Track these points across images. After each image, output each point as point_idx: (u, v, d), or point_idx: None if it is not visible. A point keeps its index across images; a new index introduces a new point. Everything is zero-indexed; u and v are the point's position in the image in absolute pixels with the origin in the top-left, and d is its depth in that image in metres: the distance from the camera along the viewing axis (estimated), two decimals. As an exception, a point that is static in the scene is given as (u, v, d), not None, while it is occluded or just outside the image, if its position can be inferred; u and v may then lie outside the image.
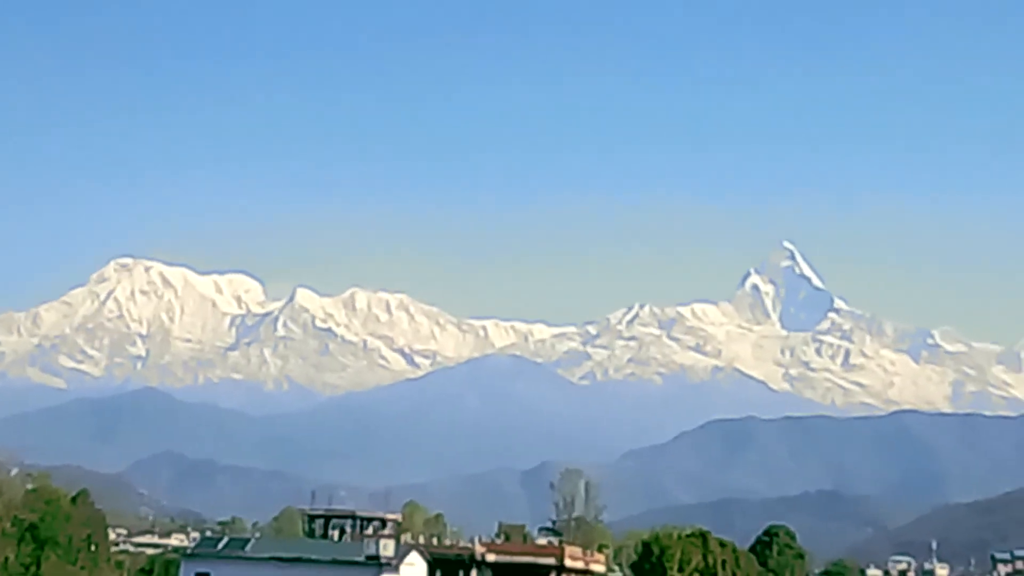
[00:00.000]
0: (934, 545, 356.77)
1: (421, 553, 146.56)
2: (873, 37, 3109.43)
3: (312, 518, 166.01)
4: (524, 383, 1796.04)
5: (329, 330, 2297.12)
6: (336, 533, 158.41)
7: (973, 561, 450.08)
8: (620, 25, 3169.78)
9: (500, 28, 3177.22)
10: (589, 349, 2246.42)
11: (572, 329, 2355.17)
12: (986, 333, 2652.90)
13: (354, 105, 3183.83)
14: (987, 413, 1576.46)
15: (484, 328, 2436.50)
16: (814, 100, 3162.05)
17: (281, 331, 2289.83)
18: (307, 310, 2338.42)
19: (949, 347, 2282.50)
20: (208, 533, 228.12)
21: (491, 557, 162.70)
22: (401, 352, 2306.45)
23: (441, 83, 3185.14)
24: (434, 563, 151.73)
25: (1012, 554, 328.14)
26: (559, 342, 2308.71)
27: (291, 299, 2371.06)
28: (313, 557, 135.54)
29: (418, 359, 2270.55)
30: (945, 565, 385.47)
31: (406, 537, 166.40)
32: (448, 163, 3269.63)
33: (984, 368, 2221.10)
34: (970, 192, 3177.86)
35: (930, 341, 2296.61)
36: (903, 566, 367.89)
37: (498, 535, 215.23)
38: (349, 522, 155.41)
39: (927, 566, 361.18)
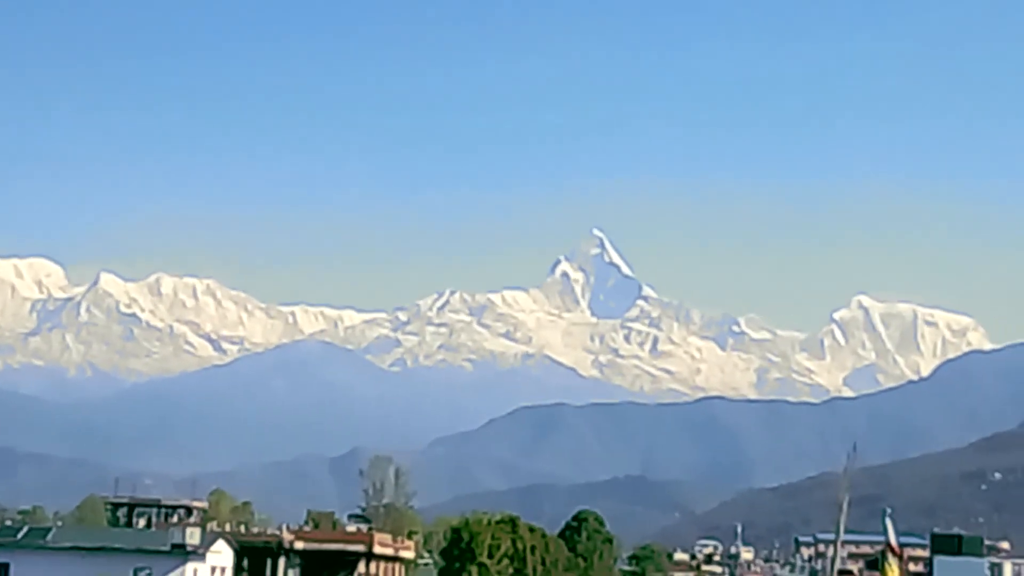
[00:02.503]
0: (739, 529, 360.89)
1: (228, 541, 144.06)
2: (674, 26, 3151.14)
3: (116, 506, 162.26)
4: (333, 369, 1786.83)
5: (134, 315, 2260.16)
6: (141, 521, 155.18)
7: (777, 544, 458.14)
8: (428, 15, 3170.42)
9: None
10: (399, 335, 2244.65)
11: (382, 315, 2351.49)
12: (790, 321, 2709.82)
13: (160, 90, 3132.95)
14: (791, 400, 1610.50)
15: (293, 314, 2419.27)
16: (621, 88, 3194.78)
17: (84, 316, 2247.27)
18: (111, 295, 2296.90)
19: (754, 334, 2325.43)
20: (8, 523, 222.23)
21: (299, 544, 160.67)
22: (208, 338, 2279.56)
23: (249, 66, 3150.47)
24: (241, 551, 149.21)
25: (815, 537, 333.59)
26: (369, 328, 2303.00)
27: (94, 284, 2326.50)
28: (117, 546, 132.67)
29: (225, 345, 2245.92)
30: (750, 548, 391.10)
31: (212, 525, 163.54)
32: (255, 149, 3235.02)
33: (788, 355, 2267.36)
34: (774, 179, 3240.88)
35: (736, 328, 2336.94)
36: (709, 550, 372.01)
37: (306, 522, 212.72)
38: (154, 510, 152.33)
39: (733, 550, 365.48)
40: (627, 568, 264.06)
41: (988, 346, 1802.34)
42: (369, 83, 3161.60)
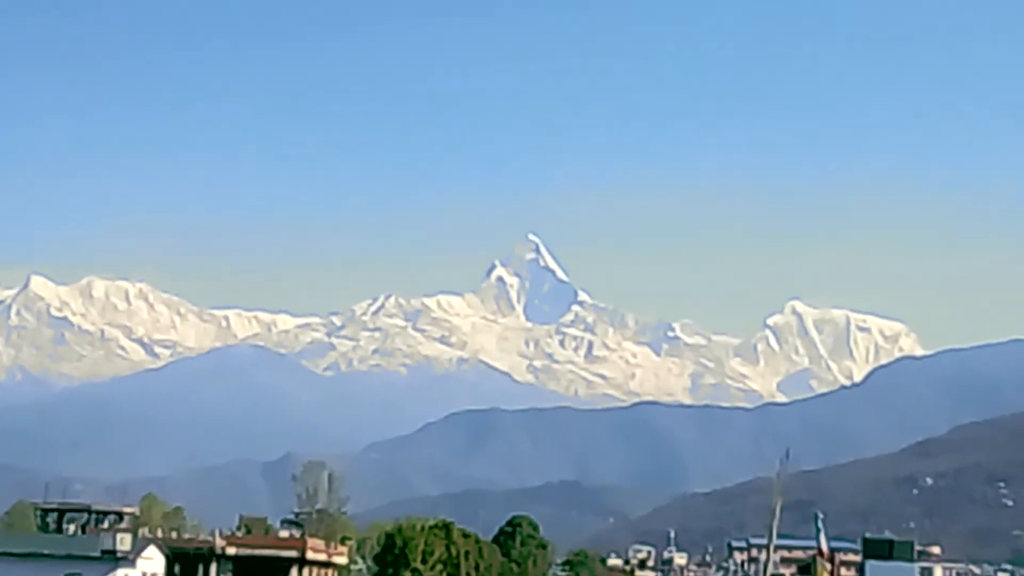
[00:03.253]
0: (673, 534, 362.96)
1: (159, 547, 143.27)
2: (608, 32, 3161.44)
3: (45, 512, 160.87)
4: (267, 374, 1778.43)
5: (65, 319, 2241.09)
6: (71, 527, 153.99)
7: (710, 549, 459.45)
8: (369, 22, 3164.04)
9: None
10: (333, 340, 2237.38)
11: (316, 320, 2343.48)
12: (724, 326, 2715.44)
13: (90, 93, 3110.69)
14: (724, 405, 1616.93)
15: (226, 318, 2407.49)
16: (556, 94, 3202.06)
17: (14, 320, 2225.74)
18: (42, 298, 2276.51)
19: (689, 340, 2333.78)
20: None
21: (231, 550, 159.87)
22: (140, 342, 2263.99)
23: (178, 70, 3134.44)
24: (173, 557, 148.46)
25: (748, 542, 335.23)
26: (303, 332, 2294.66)
27: (25, 287, 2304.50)
28: (46, 552, 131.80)
29: (158, 349, 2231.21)
30: (684, 553, 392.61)
31: (143, 531, 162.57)
32: (187, 153, 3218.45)
33: (722, 361, 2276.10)
34: (709, 186, 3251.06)
35: (671, 334, 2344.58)
36: (643, 555, 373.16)
37: (239, 528, 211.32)
38: (84, 516, 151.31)
39: (666, 555, 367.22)
40: (561, 573, 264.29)
41: (920, 352, 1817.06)
42: (305, 88, 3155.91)
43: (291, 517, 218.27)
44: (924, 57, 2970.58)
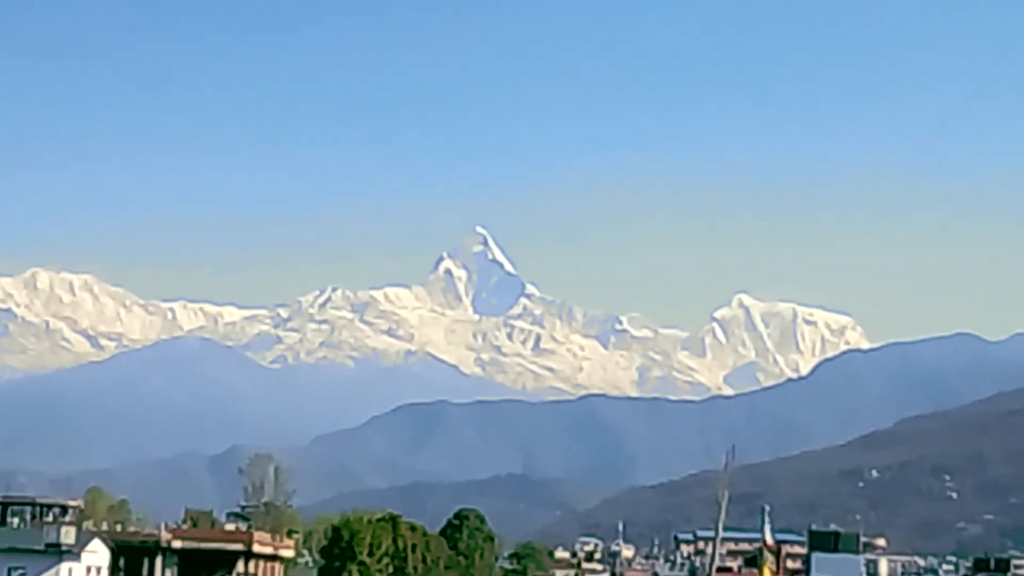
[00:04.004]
0: (620, 526, 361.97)
1: (104, 540, 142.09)
2: (552, 25, 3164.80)
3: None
4: (213, 366, 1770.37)
5: (9, 310, 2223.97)
6: (15, 520, 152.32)
7: (657, 541, 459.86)
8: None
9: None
10: (280, 332, 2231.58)
11: (263, 312, 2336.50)
12: (672, 319, 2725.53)
13: (34, 86, 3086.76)
14: (672, 398, 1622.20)
15: (172, 310, 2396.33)
16: (502, 86, 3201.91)
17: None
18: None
19: (636, 332, 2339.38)
20: None
21: (177, 543, 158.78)
22: (85, 334, 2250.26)
23: (122, 62, 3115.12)
24: (118, 550, 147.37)
25: (695, 534, 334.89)
26: (249, 325, 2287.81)
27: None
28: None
29: (103, 341, 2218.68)
30: (631, 546, 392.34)
31: (88, 524, 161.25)
32: (133, 145, 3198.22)
33: (669, 353, 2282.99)
34: (656, 178, 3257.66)
35: (618, 327, 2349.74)
36: (590, 547, 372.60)
37: (184, 521, 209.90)
38: (28, 509, 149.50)
39: (614, 547, 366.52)
40: (508, 566, 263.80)
41: (866, 345, 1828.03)
42: (251, 81, 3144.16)
43: (237, 510, 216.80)
44: (865, 46, 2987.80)
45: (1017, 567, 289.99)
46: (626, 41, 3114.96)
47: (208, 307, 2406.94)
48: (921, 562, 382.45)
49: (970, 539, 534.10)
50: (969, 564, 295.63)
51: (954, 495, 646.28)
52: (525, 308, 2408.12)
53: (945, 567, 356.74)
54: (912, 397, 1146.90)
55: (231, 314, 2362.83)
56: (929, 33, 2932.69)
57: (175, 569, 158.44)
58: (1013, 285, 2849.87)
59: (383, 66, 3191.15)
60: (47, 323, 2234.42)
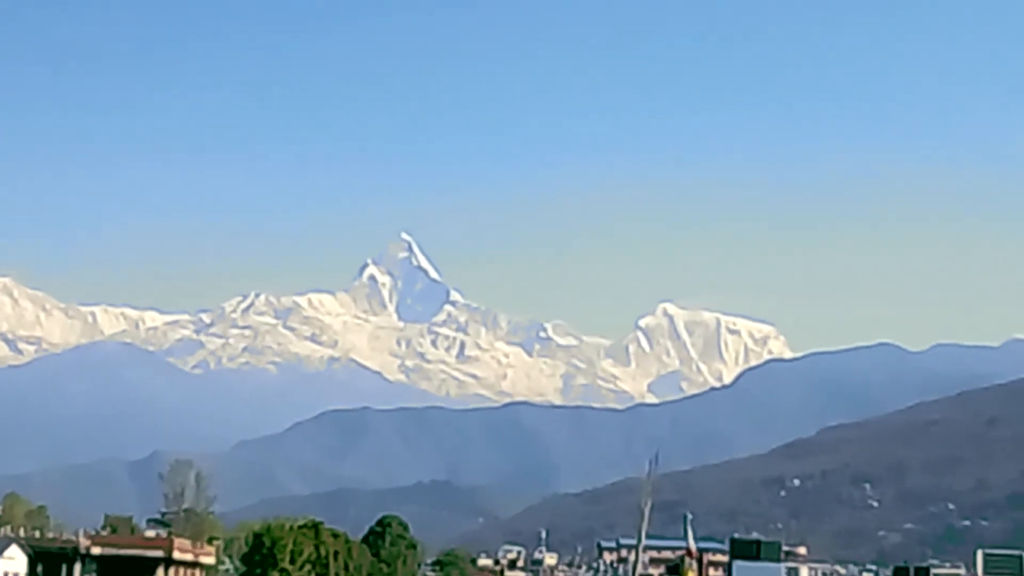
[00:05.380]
0: (543, 534, 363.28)
1: (21, 547, 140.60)
2: (479, 33, 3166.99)
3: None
4: (134, 371, 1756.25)
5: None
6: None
7: (580, 549, 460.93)
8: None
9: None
10: (203, 337, 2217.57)
11: (185, 317, 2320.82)
12: (596, 327, 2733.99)
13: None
14: (596, 405, 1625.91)
15: (93, 314, 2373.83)
16: (429, 93, 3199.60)
17: None
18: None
19: (561, 340, 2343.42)
20: None
21: (96, 550, 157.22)
22: (3, 338, 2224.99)
23: (44, 64, 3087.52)
24: (35, 556, 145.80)
25: (617, 542, 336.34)
26: (171, 330, 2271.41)
27: None
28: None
29: (22, 345, 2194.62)
30: (554, 553, 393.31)
31: (5, 530, 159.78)
32: (54, 146, 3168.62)
33: (594, 361, 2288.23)
34: (580, 187, 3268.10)
35: (543, 334, 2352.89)
36: (513, 555, 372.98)
37: (104, 527, 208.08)
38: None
39: (537, 555, 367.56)
40: (431, 573, 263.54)
41: (789, 355, 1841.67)
42: (175, 83, 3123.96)
43: (158, 516, 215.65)
44: (788, 56, 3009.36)
45: (936, 575, 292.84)
46: (547, 50, 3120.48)
47: (130, 311, 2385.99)
48: (842, 570, 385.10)
49: (890, 547, 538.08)
50: (889, 572, 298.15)
51: (875, 504, 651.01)
52: (449, 315, 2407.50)
53: (865, 575, 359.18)
54: (834, 406, 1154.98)
55: (153, 319, 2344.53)
56: (863, 48, 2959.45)
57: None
58: (933, 296, 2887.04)
59: (307, 70, 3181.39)
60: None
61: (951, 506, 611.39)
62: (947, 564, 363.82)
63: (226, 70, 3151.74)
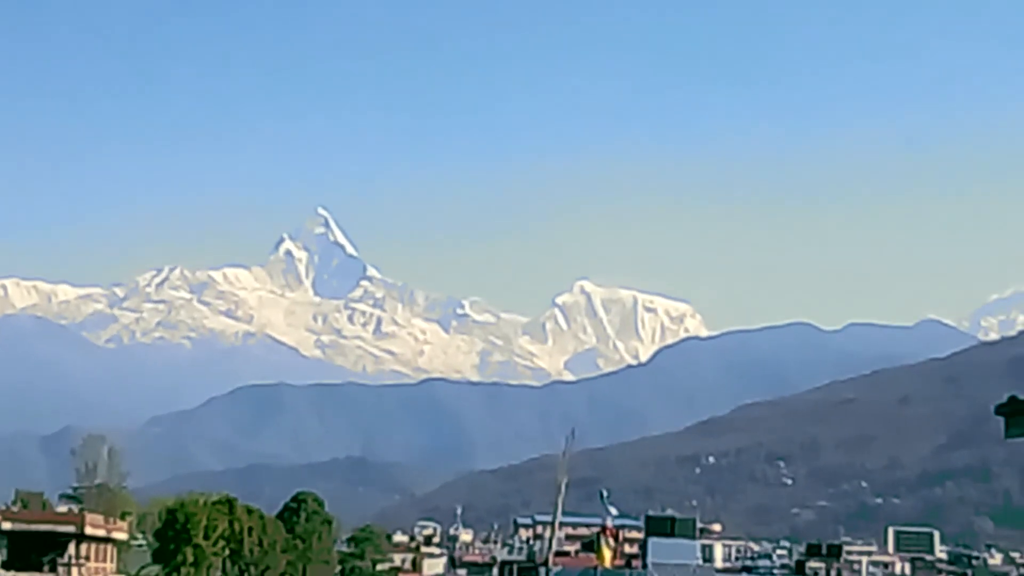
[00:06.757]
0: (459, 511, 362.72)
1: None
2: (399, 16, 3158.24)
3: None
4: (46, 345, 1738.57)
5: None
6: None
7: (496, 526, 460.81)
8: None
9: None
10: (116, 311, 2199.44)
11: (98, 290, 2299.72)
12: (513, 304, 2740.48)
13: None
14: (512, 382, 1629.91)
15: (4, 287, 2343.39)
16: (345, 66, 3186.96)
17: None
18: None
19: (478, 317, 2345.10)
20: None
21: (7, 525, 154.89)
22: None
23: None
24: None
25: (533, 519, 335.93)
26: (84, 303, 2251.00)
27: None
28: None
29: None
30: (469, 530, 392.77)
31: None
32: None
33: (511, 338, 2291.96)
34: (497, 163, 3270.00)
35: (460, 311, 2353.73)
36: (429, 531, 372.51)
37: (15, 502, 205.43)
38: None
39: (452, 531, 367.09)
40: (346, 550, 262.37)
41: (705, 333, 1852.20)
42: (96, 55, 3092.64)
43: (70, 492, 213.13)
44: (697, 35, 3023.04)
45: (848, 552, 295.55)
46: (471, 22, 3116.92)
47: (42, 285, 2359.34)
48: (755, 547, 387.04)
49: (803, 525, 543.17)
50: (802, 549, 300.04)
51: (788, 481, 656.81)
52: (366, 291, 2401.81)
53: (779, 552, 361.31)
54: (749, 384, 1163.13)
55: (65, 292, 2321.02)
56: (789, 34, 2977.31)
57: (3, 551, 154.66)
58: (848, 276, 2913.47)
59: (226, 43, 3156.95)
60: None
61: (864, 484, 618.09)
62: (859, 541, 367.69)
63: (142, 40, 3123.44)
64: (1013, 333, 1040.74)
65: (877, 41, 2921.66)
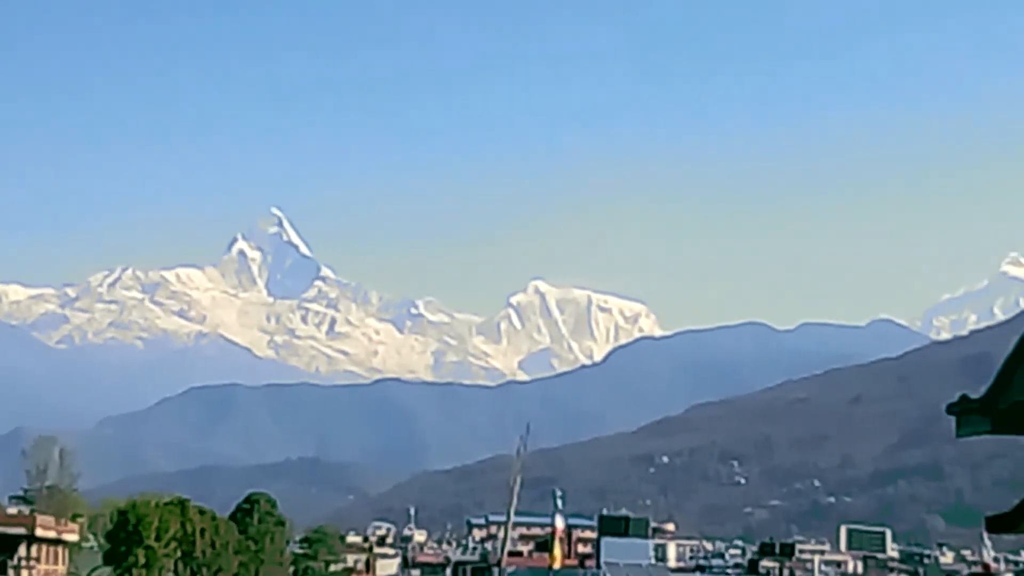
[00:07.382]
0: (412, 511, 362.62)
1: None
2: (360, 14, 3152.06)
3: None
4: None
5: None
6: None
7: (450, 526, 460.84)
8: None
9: None
10: (67, 312, 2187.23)
11: (49, 291, 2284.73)
12: (468, 304, 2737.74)
13: None
14: (466, 382, 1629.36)
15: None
16: (299, 67, 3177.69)
17: None
18: None
19: (432, 317, 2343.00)
20: None
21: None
22: None
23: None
24: None
25: (487, 519, 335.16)
26: (35, 304, 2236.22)
27: None
28: None
29: None
30: (423, 530, 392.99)
31: None
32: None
33: (465, 338, 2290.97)
34: (451, 163, 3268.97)
35: (414, 311, 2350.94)
36: (382, 532, 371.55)
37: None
38: None
39: (406, 531, 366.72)
40: (299, 551, 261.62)
41: (659, 333, 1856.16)
42: (42, 56, 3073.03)
43: (20, 493, 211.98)
44: (661, 36, 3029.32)
45: (801, 551, 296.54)
46: (421, 22, 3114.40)
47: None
48: (709, 546, 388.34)
49: (756, 524, 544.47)
50: (755, 548, 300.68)
51: (742, 480, 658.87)
52: (320, 291, 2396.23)
53: (732, 551, 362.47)
54: (703, 384, 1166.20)
55: (16, 292, 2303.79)
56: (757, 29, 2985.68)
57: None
58: (801, 276, 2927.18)
59: (179, 41, 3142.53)
60: None
61: (816, 483, 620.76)
62: (812, 540, 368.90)
63: (98, 38, 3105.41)
64: (965, 333, 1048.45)
65: (823, 43, 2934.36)
